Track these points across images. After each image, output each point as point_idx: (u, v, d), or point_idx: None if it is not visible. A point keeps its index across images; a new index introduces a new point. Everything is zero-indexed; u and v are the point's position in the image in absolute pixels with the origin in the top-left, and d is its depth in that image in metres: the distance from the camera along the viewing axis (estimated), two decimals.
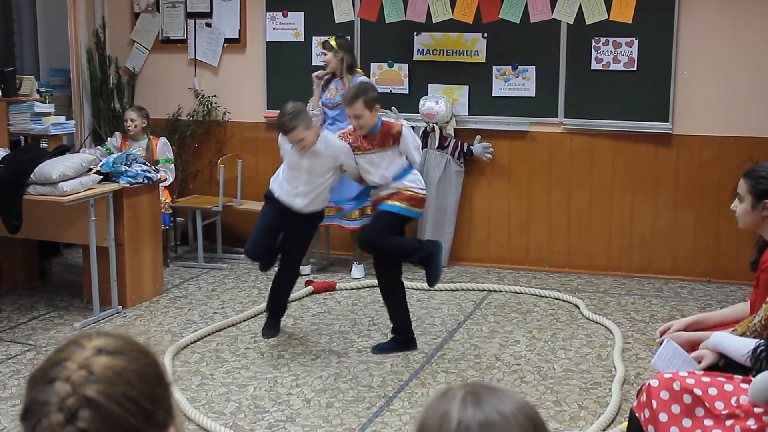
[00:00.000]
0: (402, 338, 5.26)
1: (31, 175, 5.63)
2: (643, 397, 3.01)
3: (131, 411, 1.22)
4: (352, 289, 6.51)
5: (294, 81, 7.23)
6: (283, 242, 5.37)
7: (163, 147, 7.11)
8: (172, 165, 7.21)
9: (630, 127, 6.68)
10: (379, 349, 5.22)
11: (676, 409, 2.90)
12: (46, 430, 1.19)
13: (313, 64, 7.31)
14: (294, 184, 5.20)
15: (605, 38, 6.65)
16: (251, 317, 5.85)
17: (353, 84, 5.67)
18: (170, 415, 1.30)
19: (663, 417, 2.90)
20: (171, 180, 7.13)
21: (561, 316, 5.86)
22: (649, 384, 3.00)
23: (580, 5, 6.64)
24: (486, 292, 6.43)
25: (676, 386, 2.91)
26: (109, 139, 7.24)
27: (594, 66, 6.70)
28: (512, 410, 1.28)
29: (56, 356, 1.27)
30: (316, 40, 7.32)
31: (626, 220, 6.81)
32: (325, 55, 6.54)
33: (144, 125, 7.07)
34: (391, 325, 5.32)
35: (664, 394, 2.92)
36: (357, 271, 6.81)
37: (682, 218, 6.70)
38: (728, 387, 2.89)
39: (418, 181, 5.19)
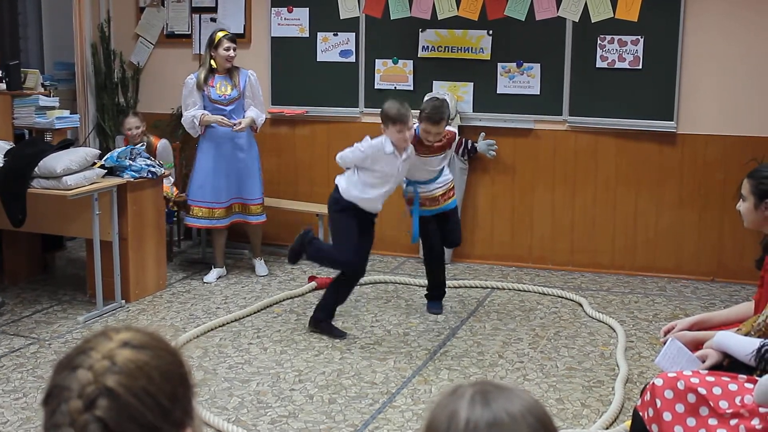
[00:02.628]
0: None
1: (36, 169, 5.64)
2: (647, 396, 3.01)
3: (149, 406, 1.24)
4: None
5: (298, 77, 7.24)
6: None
7: (162, 152, 7.05)
8: (173, 168, 7.18)
9: (634, 125, 6.68)
10: None
11: (680, 408, 2.89)
12: (64, 414, 1.21)
13: (318, 60, 7.32)
14: (381, 189, 5.29)
15: (610, 36, 6.64)
16: (254, 312, 5.86)
17: (433, 104, 5.46)
18: (188, 416, 1.31)
19: (667, 416, 2.90)
20: (172, 181, 7.12)
21: (564, 315, 5.86)
22: (653, 383, 3.00)
23: (586, 3, 6.62)
24: (489, 289, 6.43)
25: (680, 385, 2.91)
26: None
27: (599, 64, 6.69)
28: (521, 410, 1.27)
29: (83, 345, 1.30)
30: (321, 36, 7.32)
31: (630, 219, 6.81)
32: (234, 50, 6.46)
33: (144, 128, 7.05)
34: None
35: (669, 393, 2.92)
36: (261, 267, 6.85)
37: (686, 217, 6.69)
38: (732, 386, 2.88)
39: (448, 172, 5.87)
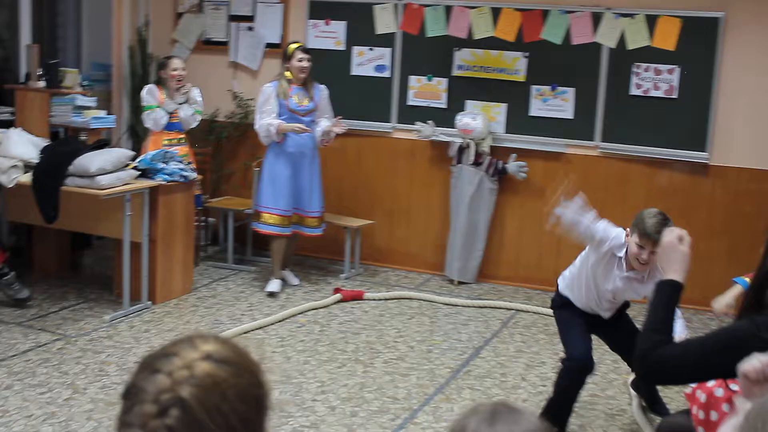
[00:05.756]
0: None
1: (70, 167, 5.69)
2: (702, 398, 2.99)
3: (218, 424, 1.23)
4: (380, 299, 6.51)
5: (333, 89, 7.26)
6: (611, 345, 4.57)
7: (196, 97, 6.91)
8: (200, 114, 6.98)
9: (667, 154, 6.66)
10: None
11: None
12: (137, 416, 1.23)
13: (352, 73, 7.36)
14: (599, 302, 4.27)
15: (646, 64, 6.64)
16: (278, 321, 5.88)
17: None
18: None
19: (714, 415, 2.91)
20: (196, 124, 6.93)
21: None
22: (713, 391, 2.97)
23: (623, 30, 6.65)
24: (514, 311, 6.42)
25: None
26: (144, 96, 6.78)
27: (633, 91, 6.69)
28: None
29: (168, 348, 1.30)
30: (357, 50, 7.37)
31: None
32: (308, 61, 6.51)
33: (186, 74, 6.88)
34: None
35: (726, 407, 2.89)
36: (293, 278, 6.84)
37: (714, 249, 6.66)
38: None
39: None
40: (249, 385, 1.30)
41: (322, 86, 6.68)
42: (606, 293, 4.19)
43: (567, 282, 4.38)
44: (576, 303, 4.30)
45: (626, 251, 4.04)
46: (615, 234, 4.12)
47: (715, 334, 2.32)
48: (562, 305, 4.36)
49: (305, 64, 6.48)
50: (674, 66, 6.58)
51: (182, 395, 1.22)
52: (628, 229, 4.06)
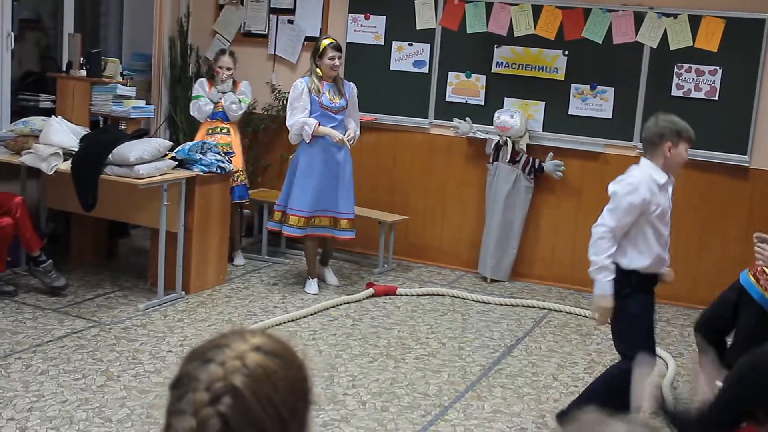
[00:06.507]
0: None
1: (109, 156, 5.74)
2: None
3: (269, 413, 1.27)
4: (413, 295, 6.51)
5: (370, 83, 7.26)
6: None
7: (245, 88, 6.99)
8: (246, 105, 7.01)
9: (706, 156, 6.57)
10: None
11: None
12: (189, 403, 1.26)
13: (390, 68, 7.36)
14: (666, 238, 4.15)
15: (688, 65, 6.57)
16: (311, 314, 5.90)
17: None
18: (303, 431, 1.35)
19: None
20: (240, 113, 6.94)
21: None
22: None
23: (666, 30, 6.58)
24: (546, 310, 6.38)
25: None
26: (195, 86, 7.01)
27: (674, 92, 6.61)
28: None
29: (219, 340, 1.34)
30: (396, 45, 7.36)
31: (693, 250, 6.71)
32: (340, 58, 6.36)
33: (234, 71, 6.93)
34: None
35: None
36: (332, 277, 6.70)
37: (751, 254, 6.54)
38: None
39: None
40: (297, 378, 1.34)
41: (352, 84, 6.52)
42: (669, 218, 4.11)
43: (627, 252, 4.03)
44: (648, 263, 4.03)
45: (664, 166, 4.01)
46: (646, 182, 4.00)
47: None
48: (630, 291, 4.02)
49: (336, 62, 6.28)
50: (716, 67, 6.50)
51: (235, 384, 1.25)
52: (657, 148, 4.03)
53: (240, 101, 6.90)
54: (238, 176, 6.85)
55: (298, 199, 6.32)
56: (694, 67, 6.56)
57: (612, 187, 4.09)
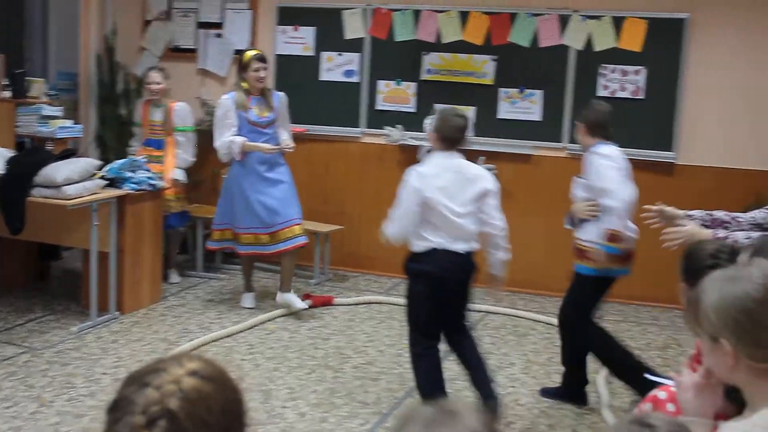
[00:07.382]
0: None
1: (36, 178, 5.65)
2: (647, 406, 3.00)
3: None
4: (350, 304, 6.51)
5: (301, 95, 7.25)
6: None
7: (180, 112, 6.78)
8: (192, 134, 6.85)
9: (634, 155, 6.65)
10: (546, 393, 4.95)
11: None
12: (126, 426, 1.29)
13: (321, 79, 7.36)
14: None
15: (613, 66, 6.69)
16: (247, 329, 5.85)
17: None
18: None
19: None
20: (190, 156, 6.79)
21: (557, 341, 5.81)
22: (656, 395, 2.99)
23: (590, 32, 6.68)
24: (483, 313, 6.42)
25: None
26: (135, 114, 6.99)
27: (600, 93, 6.72)
28: None
29: (156, 365, 1.38)
30: (326, 56, 7.36)
31: None
32: (265, 70, 6.14)
33: (166, 88, 6.80)
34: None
35: (671, 407, 2.91)
36: (297, 301, 6.24)
37: (680, 248, 6.68)
38: None
39: None
40: (231, 401, 1.39)
41: (281, 93, 6.35)
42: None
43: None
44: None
45: None
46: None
47: None
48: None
49: (262, 74, 6.07)
50: (641, 67, 6.63)
51: (170, 407, 1.30)
52: None
53: (184, 130, 6.77)
54: (175, 204, 6.73)
55: (237, 216, 6.16)
56: (618, 67, 6.69)
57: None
